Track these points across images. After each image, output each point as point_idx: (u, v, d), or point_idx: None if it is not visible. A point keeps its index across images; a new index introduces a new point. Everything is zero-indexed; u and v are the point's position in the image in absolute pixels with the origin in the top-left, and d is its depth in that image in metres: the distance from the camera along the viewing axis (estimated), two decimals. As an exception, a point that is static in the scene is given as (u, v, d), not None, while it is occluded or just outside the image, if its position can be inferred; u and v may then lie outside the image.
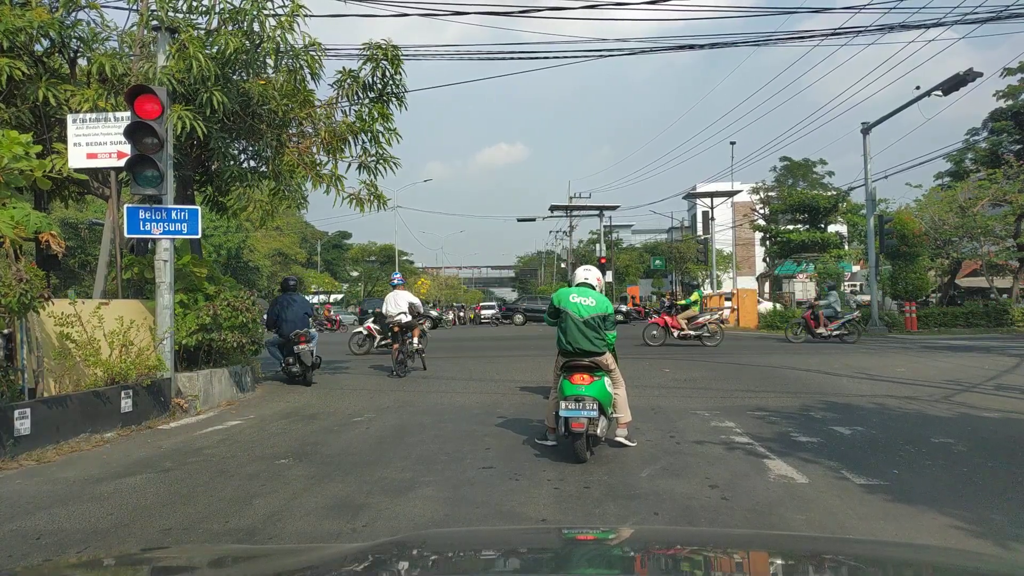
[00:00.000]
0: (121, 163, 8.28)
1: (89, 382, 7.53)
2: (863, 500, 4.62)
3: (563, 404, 5.65)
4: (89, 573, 2.10)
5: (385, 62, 11.08)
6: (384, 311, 12.91)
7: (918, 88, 21.52)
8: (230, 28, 9.21)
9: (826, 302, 20.02)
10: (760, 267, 51.07)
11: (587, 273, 6.31)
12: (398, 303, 12.66)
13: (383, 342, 17.04)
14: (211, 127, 9.23)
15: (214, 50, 9.00)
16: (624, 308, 37.76)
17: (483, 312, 51.04)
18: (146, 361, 8.05)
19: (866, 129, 24.18)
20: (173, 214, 8.40)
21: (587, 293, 6.06)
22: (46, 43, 9.35)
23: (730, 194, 42.16)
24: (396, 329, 12.45)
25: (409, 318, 12.51)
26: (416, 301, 12.85)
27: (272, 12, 9.49)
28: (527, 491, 4.92)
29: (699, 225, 62.81)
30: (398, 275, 14.00)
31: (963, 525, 4.07)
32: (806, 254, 37.89)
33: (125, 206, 8.76)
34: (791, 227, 39.36)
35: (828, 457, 5.77)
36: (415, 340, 12.71)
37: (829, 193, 40.45)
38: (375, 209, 11.68)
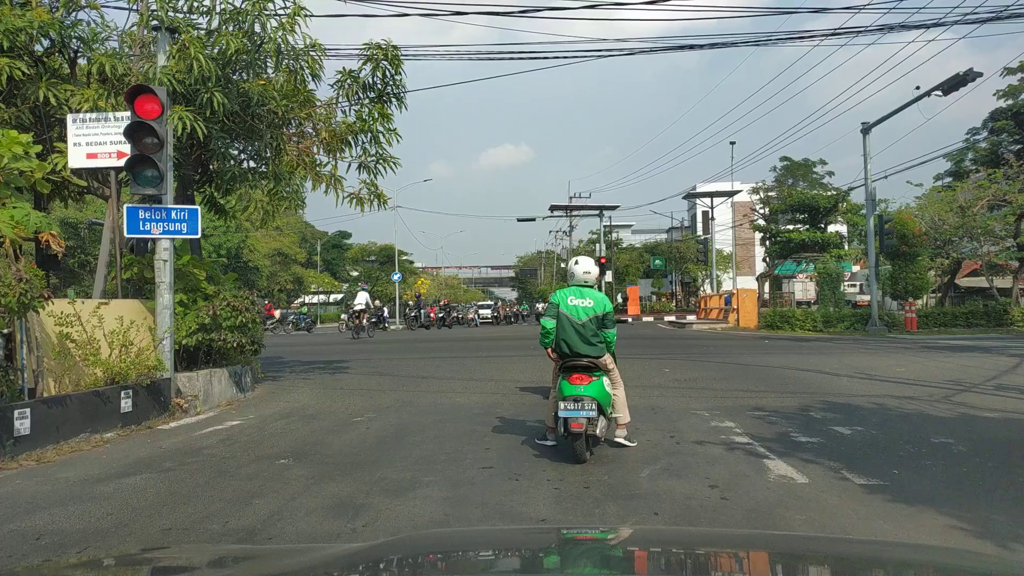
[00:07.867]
0: (121, 163, 8.28)
1: (89, 382, 7.53)
2: (863, 500, 4.61)
3: (562, 404, 5.63)
4: (89, 573, 2.10)
5: (385, 62, 11.08)
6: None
7: (918, 88, 21.49)
8: (231, 29, 9.21)
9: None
10: (760, 267, 51.07)
11: (586, 275, 6.02)
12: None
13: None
14: (211, 127, 9.23)
15: (215, 51, 9.00)
16: None
17: (480, 312, 44.25)
18: (146, 361, 8.05)
19: (866, 129, 24.17)
20: (173, 214, 8.41)
21: (584, 294, 5.94)
22: (46, 43, 9.34)
23: (730, 194, 42.12)
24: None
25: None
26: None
27: (273, 13, 9.50)
28: (527, 491, 4.92)
29: (699, 225, 62.73)
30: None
31: (963, 525, 4.07)
32: (806, 254, 37.91)
33: (125, 206, 8.76)
34: (791, 227, 39.39)
35: (828, 457, 5.76)
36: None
37: (829, 193, 40.46)
38: (375, 209, 11.70)
